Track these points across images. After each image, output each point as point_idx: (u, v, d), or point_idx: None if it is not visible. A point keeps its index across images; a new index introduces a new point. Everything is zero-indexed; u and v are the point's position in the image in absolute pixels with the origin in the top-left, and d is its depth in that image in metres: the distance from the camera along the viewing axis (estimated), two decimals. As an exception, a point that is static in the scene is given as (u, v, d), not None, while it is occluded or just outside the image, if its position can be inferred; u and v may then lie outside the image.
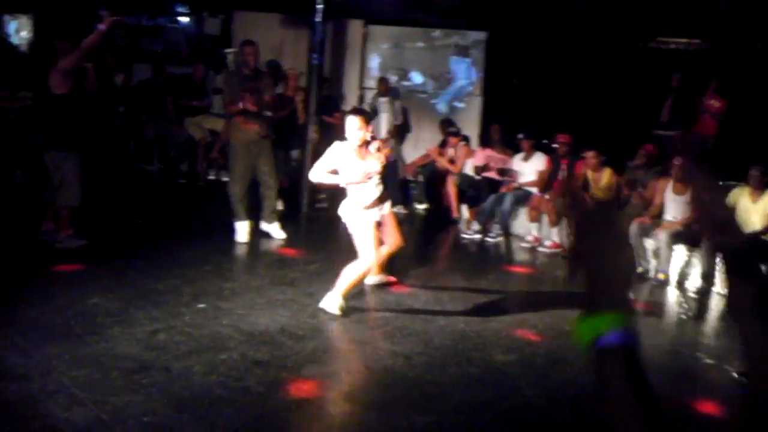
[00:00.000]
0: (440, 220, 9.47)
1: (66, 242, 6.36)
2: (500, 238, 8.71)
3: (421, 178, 10.40)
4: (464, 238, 8.70)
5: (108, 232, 7.12)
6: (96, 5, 12.66)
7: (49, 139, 6.35)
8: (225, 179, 10.55)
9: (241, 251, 6.85)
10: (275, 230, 7.24)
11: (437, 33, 11.06)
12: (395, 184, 9.99)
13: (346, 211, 5.45)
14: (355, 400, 4.01)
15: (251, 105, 6.87)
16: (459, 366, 4.60)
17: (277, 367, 4.33)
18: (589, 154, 8.13)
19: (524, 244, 8.58)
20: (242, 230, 7.04)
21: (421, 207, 10.04)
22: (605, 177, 8.13)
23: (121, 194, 8.84)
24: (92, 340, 4.40)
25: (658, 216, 7.59)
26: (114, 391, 3.77)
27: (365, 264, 5.23)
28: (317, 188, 9.62)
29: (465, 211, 9.46)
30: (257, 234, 7.17)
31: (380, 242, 5.46)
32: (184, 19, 14.43)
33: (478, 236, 8.69)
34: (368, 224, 5.31)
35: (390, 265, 7.03)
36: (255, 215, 7.23)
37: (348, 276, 5.19)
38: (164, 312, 5.00)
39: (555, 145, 8.96)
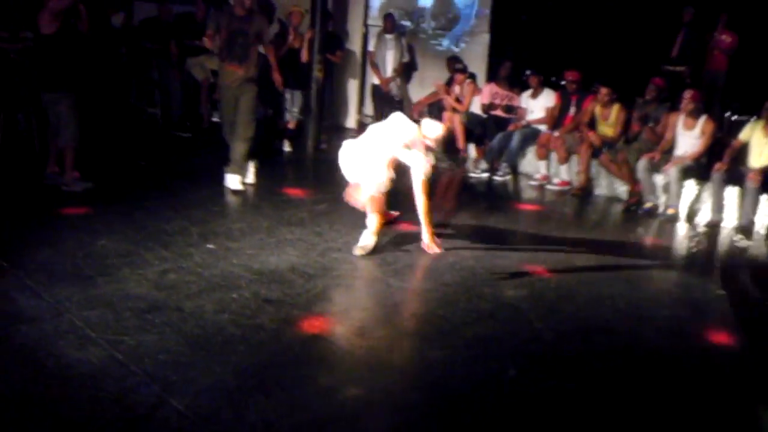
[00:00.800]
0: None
1: (72, 185, 6.33)
2: (508, 177, 8.65)
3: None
4: (472, 177, 8.64)
5: (113, 174, 7.07)
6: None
7: (41, 81, 6.27)
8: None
9: (248, 192, 6.79)
10: (234, 182, 6.78)
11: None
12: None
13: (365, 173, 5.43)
14: (366, 335, 4.01)
15: (209, 43, 6.71)
16: (470, 302, 4.60)
17: (288, 304, 4.33)
18: (603, 91, 7.99)
19: (532, 183, 8.52)
20: (230, 178, 6.79)
21: (427, 146, 9.92)
22: (614, 113, 8.01)
23: (124, 136, 8.78)
24: (103, 281, 4.40)
25: (668, 151, 7.50)
26: (127, 331, 3.78)
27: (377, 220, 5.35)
28: (321, 129, 9.56)
29: (472, 150, 9.38)
30: (260, 175, 7.09)
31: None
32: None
33: (485, 175, 8.63)
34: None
35: (396, 202, 7.02)
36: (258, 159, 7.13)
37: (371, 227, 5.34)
38: (173, 253, 4.99)
39: (564, 82, 8.81)
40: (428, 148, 5.44)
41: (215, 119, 9.84)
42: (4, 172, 6.77)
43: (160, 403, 3.13)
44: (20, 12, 7.98)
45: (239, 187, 6.77)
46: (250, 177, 7.01)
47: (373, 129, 5.55)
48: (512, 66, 9.24)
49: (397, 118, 5.51)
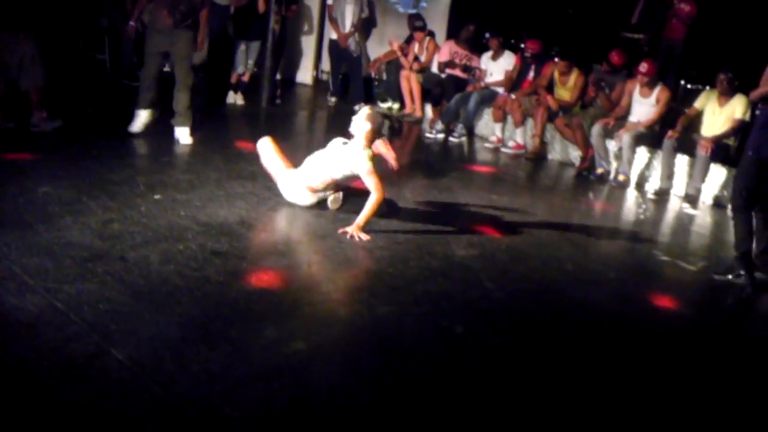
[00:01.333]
0: (402, 118, 9.34)
1: (41, 125, 6.25)
2: (463, 138, 8.63)
3: (385, 76, 10.17)
4: (427, 138, 8.60)
5: (60, 119, 6.83)
6: None
7: (1, 22, 6.01)
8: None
9: (198, 145, 6.63)
10: (183, 135, 6.61)
11: None
12: (359, 80, 9.78)
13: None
14: (316, 290, 3.97)
15: None
16: (421, 260, 4.58)
17: (236, 257, 4.24)
18: (561, 64, 7.96)
19: (487, 145, 8.53)
20: (138, 119, 6.59)
21: (384, 105, 9.85)
22: (573, 78, 8.02)
23: (72, 83, 8.48)
24: (43, 228, 4.24)
25: (622, 118, 7.56)
26: (67, 279, 3.65)
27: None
28: (276, 83, 9.38)
29: (429, 110, 9.32)
30: (211, 128, 6.93)
31: None
32: None
33: (441, 136, 8.60)
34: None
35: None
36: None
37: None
38: (119, 202, 4.84)
39: (526, 53, 8.77)
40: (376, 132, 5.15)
41: (167, 69, 9.59)
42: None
43: (100, 353, 3.04)
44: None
45: (189, 140, 6.60)
46: (188, 138, 6.69)
47: (315, 160, 5.23)
48: (476, 29, 9.17)
49: (335, 145, 5.26)
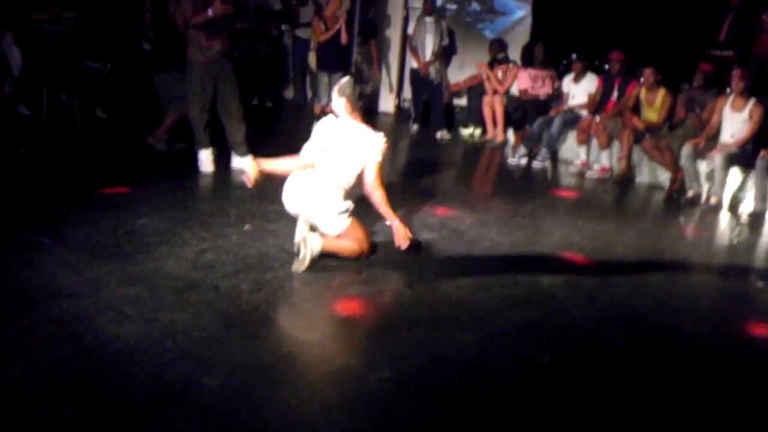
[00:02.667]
0: (484, 144, 9.34)
1: (157, 142, 7.10)
2: (547, 162, 8.54)
3: (465, 101, 10.22)
4: (510, 163, 8.56)
5: (153, 154, 7.18)
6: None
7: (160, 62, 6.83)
8: (269, 105, 10.56)
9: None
10: (247, 163, 6.72)
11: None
12: (440, 107, 9.85)
13: (321, 211, 4.65)
14: (401, 317, 4.01)
15: (220, 8, 6.12)
16: (504, 287, 4.56)
17: (323, 285, 4.34)
18: (647, 71, 7.83)
19: (572, 169, 8.41)
20: (205, 159, 6.61)
21: (466, 131, 9.88)
22: (660, 97, 7.85)
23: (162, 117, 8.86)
24: (141, 259, 4.46)
25: (713, 138, 7.33)
26: (163, 308, 3.83)
27: (360, 249, 4.73)
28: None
29: (511, 135, 9.29)
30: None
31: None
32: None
33: (524, 160, 8.54)
34: (347, 222, 4.73)
35: (433, 188, 7.00)
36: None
37: (339, 246, 4.68)
38: (211, 233, 5.04)
39: (607, 66, 8.66)
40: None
41: (255, 102, 9.87)
42: (48, 151, 6.90)
43: (194, 380, 3.17)
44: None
45: (210, 169, 6.68)
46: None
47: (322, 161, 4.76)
48: (545, 46, 9.09)
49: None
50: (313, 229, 4.64)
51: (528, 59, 9.59)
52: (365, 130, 4.68)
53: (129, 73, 8.52)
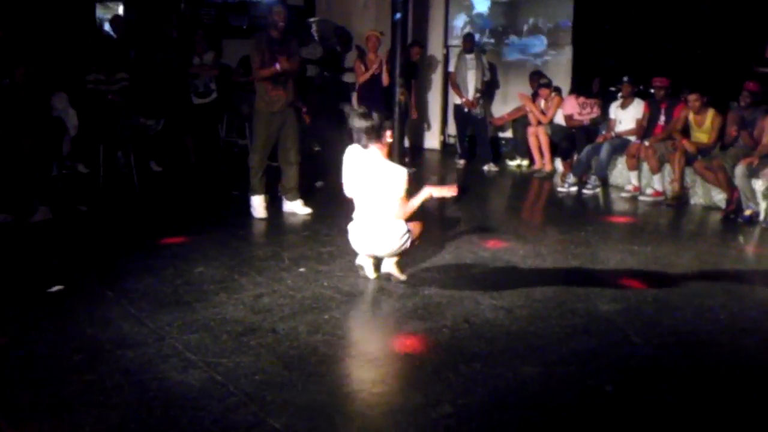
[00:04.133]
0: (533, 175, 9.31)
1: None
2: (598, 190, 8.47)
3: (509, 134, 10.24)
4: (560, 192, 8.51)
5: (207, 203, 7.36)
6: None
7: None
8: (317, 149, 10.72)
9: (336, 216, 6.90)
10: (298, 207, 6.87)
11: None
12: (485, 141, 9.89)
13: (390, 241, 4.88)
14: (458, 353, 3.99)
15: (287, 64, 6.44)
16: (563, 317, 4.52)
17: (379, 324, 4.37)
18: (692, 97, 7.76)
19: (624, 194, 8.32)
20: (258, 205, 6.76)
21: (512, 163, 9.88)
22: (708, 118, 7.75)
23: (213, 166, 9.10)
24: (201, 306, 4.56)
25: (766, 155, 7.19)
26: (225, 353, 3.90)
27: (420, 234, 5.00)
28: (405, 151, 9.62)
29: (559, 164, 9.25)
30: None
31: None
32: (267, -8, 14.58)
33: (574, 189, 8.48)
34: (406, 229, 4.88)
35: (484, 221, 7.00)
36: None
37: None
38: (267, 277, 5.13)
39: (652, 90, 8.60)
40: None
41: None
42: (107, 207, 7.13)
43: (258, 423, 3.21)
44: (114, 54, 8.46)
45: (307, 209, 6.89)
46: (305, 208, 6.94)
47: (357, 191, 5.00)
48: (600, 82, 9.11)
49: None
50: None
51: (578, 87, 9.57)
52: (387, 164, 4.80)
53: (180, 127, 8.79)
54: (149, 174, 8.38)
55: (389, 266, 5.08)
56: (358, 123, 4.80)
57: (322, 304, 4.63)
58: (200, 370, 3.70)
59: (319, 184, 4.84)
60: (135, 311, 4.46)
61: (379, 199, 4.81)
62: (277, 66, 6.44)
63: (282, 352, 3.93)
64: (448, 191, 5.01)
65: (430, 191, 4.89)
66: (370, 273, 5.08)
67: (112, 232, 6.34)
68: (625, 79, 8.67)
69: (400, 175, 4.72)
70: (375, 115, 4.82)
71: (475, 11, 11.07)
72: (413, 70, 9.88)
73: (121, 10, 13.13)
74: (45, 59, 8.10)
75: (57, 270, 5.21)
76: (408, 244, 4.88)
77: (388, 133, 4.87)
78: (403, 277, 5.05)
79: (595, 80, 9.16)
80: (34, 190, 6.51)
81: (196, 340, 4.06)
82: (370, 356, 3.99)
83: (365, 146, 4.83)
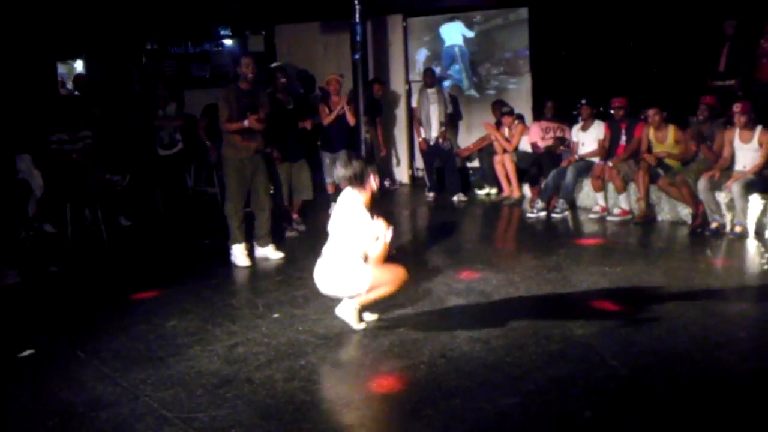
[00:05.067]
0: (501, 202, 9.39)
1: (297, 226, 7.81)
2: (566, 213, 8.55)
3: (477, 163, 10.34)
4: (529, 218, 8.57)
5: (179, 254, 7.32)
6: (142, 47, 13.09)
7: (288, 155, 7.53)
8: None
9: (308, 258, 6.86)
10: (271, 252, 6.87)
11: (478, 17, 10.93)
12: (454, 172, 9.97)
13: (342, 279, 4.86)
14: (437, 389, 3.97)
15: (257, 124, 6.49)
16: (539, 344, 4.53)
17: (356, 366, 4.35)
18: (651, 112, 7.93)
19: (592, 216, 8.41)
20: (240, 254, 6.71)
21: (481, 192, 9.96)
22: (670, 134, 7.90)
23: (183, 216, 9.06)
24: (174, 361, 4.51)
25: (727, 168, 7.32)
26: (200, 408, 3.85)
27: (398, 285, 4.85)
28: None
29: (527, 190, 9.34)
30: (317, 240, 7.10)
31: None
32: (228, 42, 14.72)
33: (543, 214, 8.55)
34: (369, 270, 4.81)
35: (456, 252, 7.03)
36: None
37: (375, 293, 4.83)
38: (241, 325, 5.10)
39: (612, 111, 8.75)
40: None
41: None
42: (77, 265, 7.05)
43: (238, 477, 3.16)
44: (77, 112, 8.44)
45: (280, 254, 6.89)
46: (277, 253, 6.94)
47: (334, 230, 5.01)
48: (554, 105, 9.26)
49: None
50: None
51: (538, 113, 9.73)
52: (361, 213, 4.82)
53: (147, 179, 8.76)
54: (118, 229, 8.31)
55: (346, 310, 4.90)
56: (339, 171, 4.94)
57: (297, 350, 4.59)
58: (176, 427, 3.64)
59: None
60: (108, 371, 4.40)
61: (343, 238, 4.86)
62: (246, 123, 6.47)
63: (259, 402, 3.88)
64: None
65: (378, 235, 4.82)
66: (354, 324, 4.89)
67: (83, 291, 6.26)
68: (583, 101, 8.83)
69: (370, 230, 4.78)
70: (355, 163, 4.94)
71: (433, 45, 11.22)
72: (377, 107, 9.98)
73: (80, 66, 13.17)
74: (7, 121, 8.07)
75: (28, 334, 5.13)
76: (363, 290, 4.79)
77: (371, 178, 4.93)
78: (357, 326, 4.87)
79: (547, 103, 9.32)
80: (1, 254, 6.43)
81: (171, 396, 4.00)
82: (348, 400, 3.96)
83: (348, 187, 4.94)
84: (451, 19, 11.01)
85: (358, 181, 4.87)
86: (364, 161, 5.02)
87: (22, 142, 7.91)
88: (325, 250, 4.98)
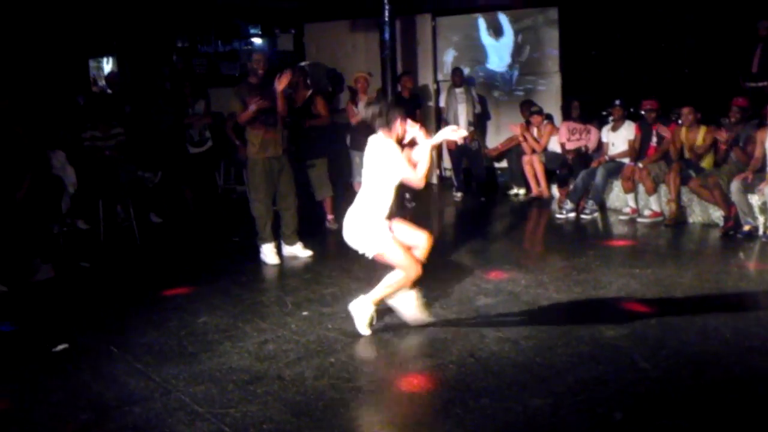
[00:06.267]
0: (532, 203, 9.36)
1: (331, 224, 7.85)
2: (596, 214, 8.49)
3: (505, 164, 10.31)
4: (558, 218, 8.53)
5: (209, 252, 7.39)
6: (172, 45, 13.22)
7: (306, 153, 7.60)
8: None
9: (336, 256, 6.92)
10: (299, 250, 6.90)
11: (507, 17, 10.89)
12: (481, 172, 9.96)
13: (359, 231, 4.83)
14: (466, 388, 3.98)
15: (260, 103, 6.39)
16: (568, 345, 4.51)
17: (385, 364, 4.37)
18: (685, 110, 7.86)
19: (622, 217, 8.35)
20: (269, 252, 6.74)
21: (510, 193, 9.92)
22: (701, 135, 7.81)
23: (212, 214, 9.14)
24: (206, 356, 4.56)
25: (760, 170, 7.23)
26: (232, 403, 3.89)
27: (410, 275, 4.74)
28: (405, 189, 9.67)
29: (555, 191, 9.30)
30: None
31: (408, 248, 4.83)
32: (258, 40, 14.80)
33: (572, 215, 8.50)
34: (388, 236, 4.76)
35: (484, 252, 7.01)
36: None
37: (387, 284, 4.82)
38: (270, 323, 5.13)
39: (642, 112, 8.68)
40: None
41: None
42: (109, 261, 7.15)
43: (269, 473, 3.19)
44: (110, 110, 8.56)
45: (309, 252, 6.91)
46: (306, 251, 6.97)
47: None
48: (580, 105, 9.21)
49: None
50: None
51: (566, 114, 9.68)
52: (386, 143, 4.75)
53: (178, 177, 8.85)
54: (149, 226, 8.42)
55: (359, 309, 4.87)
56: (366, 112, 4.96)
57: (327, 347, 4.62)
58: (208, 422, 3.68)
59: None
60: (140, 366, 4.46)
61: (372, 181, 4.81)
62: (252, 107, 6.45)
63: (289, 398, 3.92)
64: (452, 134, 4.98)
65: (430, 143, 4.87)
66: (361, 327, 4.82)
67: (115, 286, 6.35)
68: (617, 102, 8.75)
69: (392, 149, 4.72)
70: (381, 102, 4.99)
71: (462, 45, 11.20)
72: (415, 100, 9.91)
73: (109, 65, 13.31)
74: (41, 117, 8.20)
75: (61, 328, 5.22)
76: (371, 254, 4.78)
77: (398, 121, 4.79)
78: (363, 331, 4.80)
79: (573, 104, 9.27)
80: (35, 249, 6.53)
81: (203, 391, 4.05)
82: (378, 398, 3.98)
83: (376, 132, 4.87)
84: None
85: (382, 120, 4.77)
86: (391, 103, 4.99)
87: (55, 138, 8.04)
88: (358, 197, 4.93)
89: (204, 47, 14.18)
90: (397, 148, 4.73)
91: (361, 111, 5.03)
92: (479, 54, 11.16)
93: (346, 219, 4.91)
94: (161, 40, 12.61)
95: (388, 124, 4.77)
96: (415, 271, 4.73)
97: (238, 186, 10.19)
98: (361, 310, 4.83)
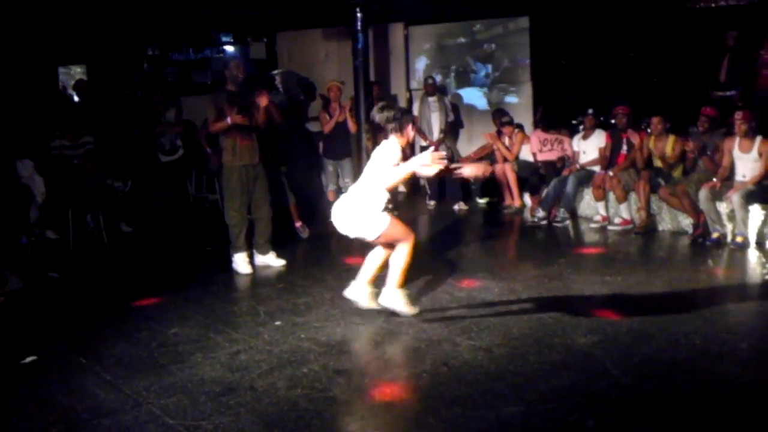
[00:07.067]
0: (503, 211, 9.42)
1: (303, 232, 7.85)
2: (567, 222, 8.57)
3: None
4: (531, 227, 8.58)
5: (180, 261, 7.32)
6: (143, 53, 13.14)
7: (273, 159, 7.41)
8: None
9: (309, 265, 6.91)
10: (272, 260, 6.86)
11: (478, 26, 10.98)
12: (454, 180, 9.97)
13: (357, 218, 4.99)
14: (439, 397, 3.98)
15: (239, 119, 6.40)
16: (541, 353, 4.53)
17: (358, 374, 4.35)
18: (655, 120, 7.96)
19: (593, 225, 8.42)
20: (242, 261, 6.71)
21: (482, 201, 9.97)
22: (670, 144, 7.92)
23: (184, 223, 9.07)
24: (177, 368, 4.50)
25: (728, 178, 7.35)
26: (204, 415, 3.85)
27: (410, 243, 5.04)
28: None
29: (527, 199, 9.36)
30: (320, 247, 7.19)
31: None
32: (230, 48, 14.76)
33: (544, 223, 8.57)
34: (386, 219, 4.97)
35: (457, 261, 7.03)
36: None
37: (397, 265, 5.09)
38: (243, 333, 5.09)
39: (613, 120, 8.78)
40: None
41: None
42: (78, 272, 7.05)
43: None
44: (78, 118, 8.46)
45: (282, 261, 6.88)
46: (279, 260, 6.93)
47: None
48: (544, 110, 9.31)
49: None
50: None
51: (535, 123, 9.78)
52: (392, 143, 4.99)
53: (149, 186, 8.78)
54: (120, 235, 8.32)
55: (390, 299, 5.14)
56: (378, 116, 5.05)
57: (300, 358, 4.59)
58: (180, 435, 3.64)
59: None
60: (110, 378, 4.40)
61: (372, 178, 4.97)
62: (228, 120, 6.41)
63: (261, 410, 3.88)
64: (472, 170, 5.37)
65: (410, 168, 4.94)
66: (365, 303, 5.18)
67: (85, 297, 6.26)
68: (590, 111, 8.85)
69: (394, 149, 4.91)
70: (395, 107, 5.17)
71: (435, 54, 11.25)
72: None
73: (79, 73, 13.17)
74: (8, 126, 8.09)
75: (30, 340, 5.13)
76: (372, 237, 4.98)
77: (409, 127, 5.06)
78: (409, 310, 5.18)
79: (538, 109, 9.37)
80: (3, 259, 6.43)
81: (174, 403, 4.00)
82: (352, 408, 3.96)
83: (386, 137, 5.04)
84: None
85: (396, 124, 4.98)
86: (404, 108, 5.19)
87: (23, 147, 7.93)
88: (353, 187, 5.11)
89: (175, 55, 14.11)
90: (399, 150, 4.95)
91: (373, 114, 5.07)
92: (452, 63, 11.23)
93: (337, 210, 5.07)
94: (131, 48, 12.52)
95: (400, 129, 5.00)
96: (412, 237, 5.04)
97: (210, 195, 10.11)
98: (393, 299, 5.10)
